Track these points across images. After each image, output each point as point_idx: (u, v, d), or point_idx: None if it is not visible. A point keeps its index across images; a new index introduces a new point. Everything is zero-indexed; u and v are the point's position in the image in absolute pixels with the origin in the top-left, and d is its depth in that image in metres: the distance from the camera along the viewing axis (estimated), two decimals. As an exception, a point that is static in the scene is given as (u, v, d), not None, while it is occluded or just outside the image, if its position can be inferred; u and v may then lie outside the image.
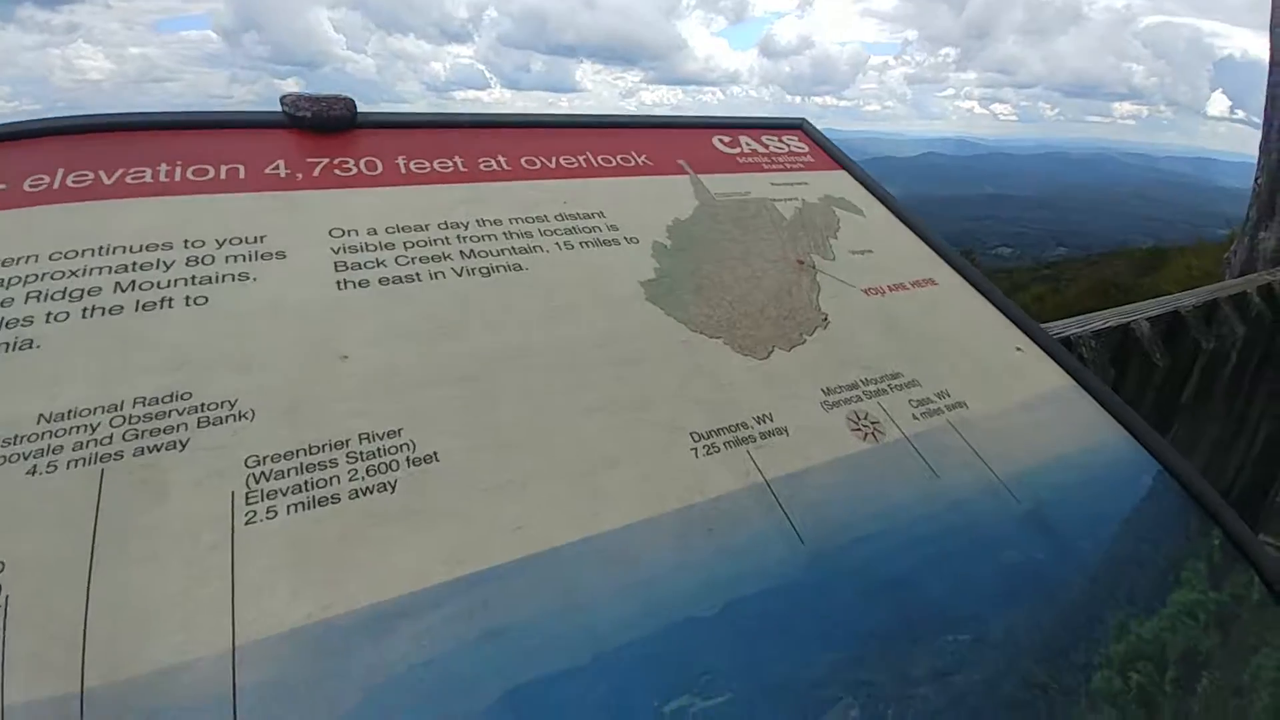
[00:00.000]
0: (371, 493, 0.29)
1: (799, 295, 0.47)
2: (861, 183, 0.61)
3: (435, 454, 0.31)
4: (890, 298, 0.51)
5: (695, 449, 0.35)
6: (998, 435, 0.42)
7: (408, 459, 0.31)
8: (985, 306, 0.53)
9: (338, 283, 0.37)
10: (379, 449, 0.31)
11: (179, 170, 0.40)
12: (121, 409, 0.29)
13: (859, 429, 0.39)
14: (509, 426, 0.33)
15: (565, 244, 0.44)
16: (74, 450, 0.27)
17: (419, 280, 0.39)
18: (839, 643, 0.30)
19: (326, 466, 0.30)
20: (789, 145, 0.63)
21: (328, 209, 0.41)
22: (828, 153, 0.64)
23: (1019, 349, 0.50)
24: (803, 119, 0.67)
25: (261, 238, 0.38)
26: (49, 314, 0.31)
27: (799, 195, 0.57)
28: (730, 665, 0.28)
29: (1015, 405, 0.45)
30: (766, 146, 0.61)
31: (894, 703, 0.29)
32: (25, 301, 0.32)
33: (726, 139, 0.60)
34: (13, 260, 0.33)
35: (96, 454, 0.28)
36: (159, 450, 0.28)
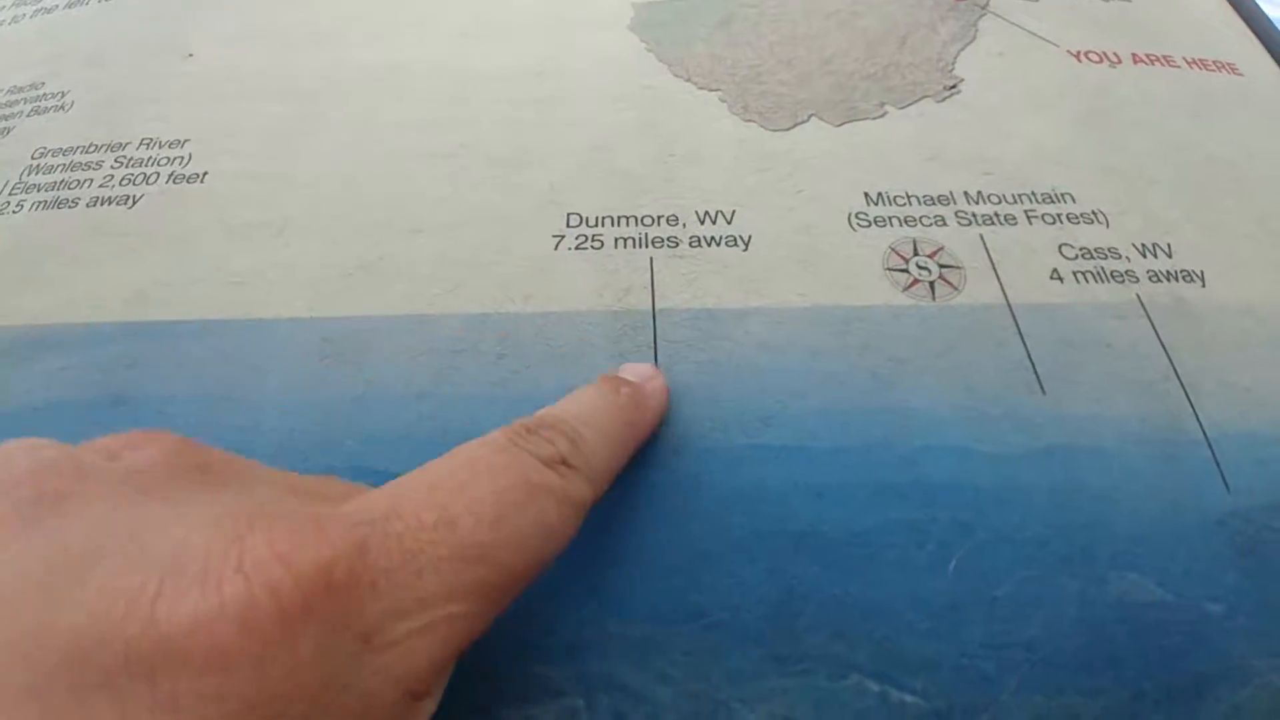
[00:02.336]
0: (110, 204, 0.23)
1: (921, 44, 0.26)
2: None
3: (204, 174, 0.23)
4: (1125, 71, 0.26)
5: (562, 237, 0.21)
6: (1245, 353, 0.19)
7: (171, 175, 0.23)
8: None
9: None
10: (151, 158, 0.24)
11: None
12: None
13: (904, 270, 0.20)
14: (309, 157, 0.23)
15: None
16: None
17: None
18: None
19: (92, 168, 0.24)
20: None
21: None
22: None
23: None
24: None
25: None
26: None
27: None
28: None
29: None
30: None
31: None
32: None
33: None
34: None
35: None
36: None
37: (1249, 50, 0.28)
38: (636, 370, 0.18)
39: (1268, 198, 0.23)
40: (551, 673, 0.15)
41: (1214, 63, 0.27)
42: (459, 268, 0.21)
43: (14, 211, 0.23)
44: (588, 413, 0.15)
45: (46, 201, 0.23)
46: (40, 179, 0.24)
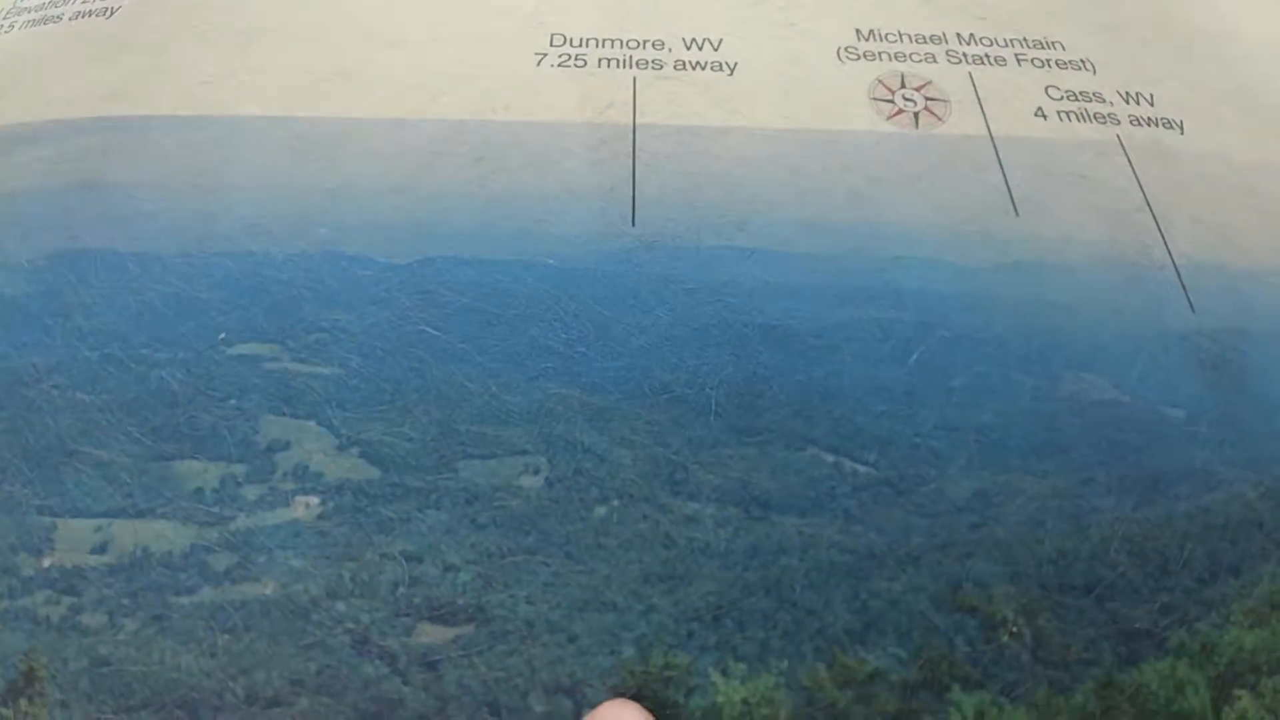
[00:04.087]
0: (90, 16, 0.22)
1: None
2: None
3: (178, -19, 0.22)
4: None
5: (544, 55, 0.21)
6: (1220, 197, 0.19)
7: (144, -20, 0.23)
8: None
9: None
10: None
11: None
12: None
13: (889, 100, 0.20)
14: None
15: None
16: None
17: None
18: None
19: (66, -23, 0.23)
20: None
21: None
22: None
23: None
24: None
25: None
26: None
27: None
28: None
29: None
30: None
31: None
32: None
33: None
34: None
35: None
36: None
37: None
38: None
39: (1249, 71, 0.22)
40: (515, 434, 0.15)
41: None
42: (438, 79, 0.20)
43: (4, 33, 0.22)
44: None
45: (35, 19, 0.22)
46: (31, 1, 0.23)
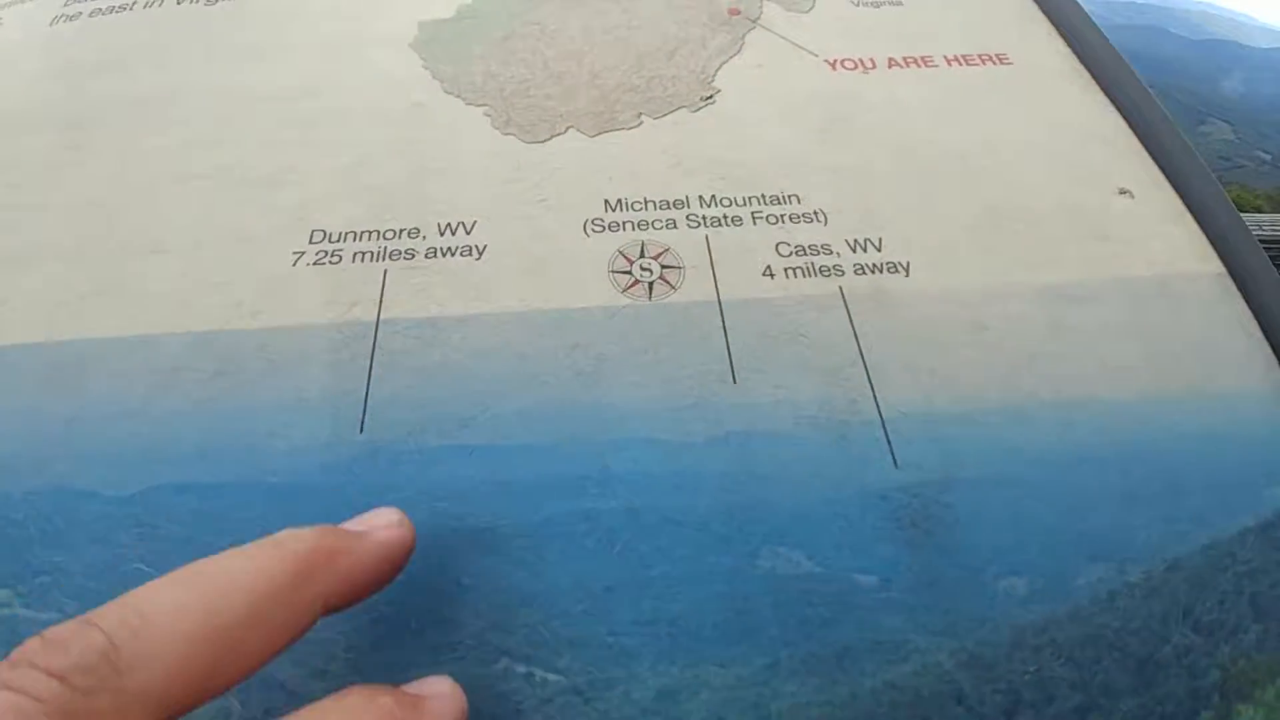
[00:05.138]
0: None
1: (688, 58, 0.28)
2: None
3: (-40, 204, 0.23)
4: (876, 76, 0.27)
5: (302, 253, 0.22)
6: (940, 337, 0.21)
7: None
8: (1095, 108, 0.26)
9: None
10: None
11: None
12: None
13: (628, 272, 0.22)
14: (70, 186, 0.24)
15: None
16: None
17: (130, 10, 0.30)
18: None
19: None
20: None
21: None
22: None
23: (1125, 191, 0.24)
24: None
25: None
26: None
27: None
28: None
29: (1046, 288, 0.22)
30: None
31: None
32: None
33: None
34: None
35: None
36: None
37: (1032, 34, 0.29)
38: (377, 517, 0.15)
39: (997, 185, 0.24)
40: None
41: (979, 56, 0.29)
42: (196, 287, 0.21)
43: None
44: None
45: None
46: None
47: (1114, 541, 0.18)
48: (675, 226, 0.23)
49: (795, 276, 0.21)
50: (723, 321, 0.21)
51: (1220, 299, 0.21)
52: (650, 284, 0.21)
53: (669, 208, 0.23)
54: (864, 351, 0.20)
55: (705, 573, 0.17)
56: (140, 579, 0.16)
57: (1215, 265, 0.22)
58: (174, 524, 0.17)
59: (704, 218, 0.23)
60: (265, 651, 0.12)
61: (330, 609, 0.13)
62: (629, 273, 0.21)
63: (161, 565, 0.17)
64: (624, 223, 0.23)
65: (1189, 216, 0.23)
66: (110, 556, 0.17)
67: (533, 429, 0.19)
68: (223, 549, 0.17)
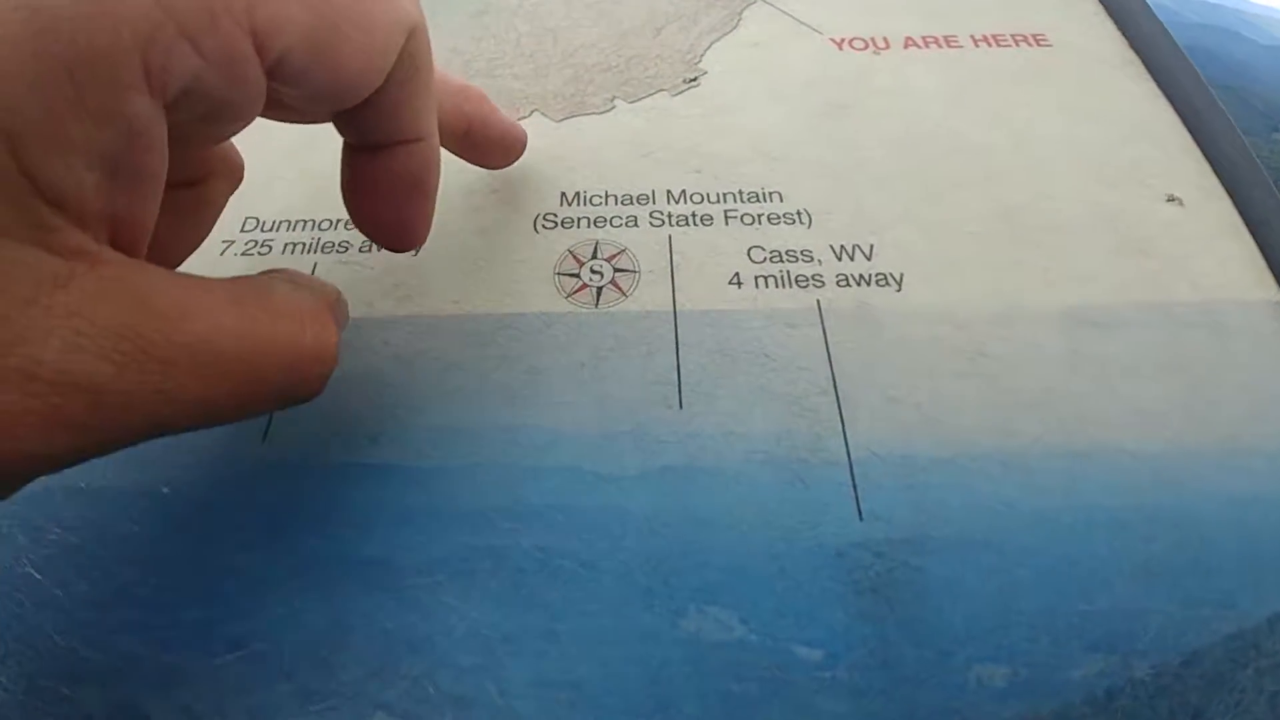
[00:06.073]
0: None
1: (676, 35, 0.25)
2: None
3: None
4: (888, 57, 0.24)
5: (232, 242, 0.20)
6: (931, 364, 0.18)
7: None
8: (1146, 100, 0.22)
9: None
10: None
11: None
12: None
13: (575, 275, 0.19)
14: None
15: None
16: None
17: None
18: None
19: None
20: None
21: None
22: None
23: (1174, 198, 0.20)
24: None
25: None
26: None
27: None
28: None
29: (1067, 312, 0.18)
30: None
31: None
32: None
33: None
34: None
35: None
36: None
37: (1077, 12, 0.26)
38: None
39: (1019, 186, 0.21)
40: (76, 692, 0.14)
41: (1013, 36, 0.25)
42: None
43: None
44: None
45: None
46: None
47: (1122, 628, 0.14)
48: (636, 225, 0.20)
49: (766, 286, 0.19)
50: (676, 336, 0.18)
51: (1276, 334, 0.17)
52: (599, 289, 0.19)
53: (632, 203, 0.21)
54: (837, 378, 0.17)
55: (620, 631, 0.14)
56: (29, 586, 0.15)
57: (1273, 293, 0.18)
58: (65, 530, 0.16)
59: (670, 215, 0.20)
60: None
61: None
62: (577, 275, 0.19)
63: (51, 571, 0.15)
64: (579, 219, 0.20)
65: (1246, 233, 0.19)
66: (6, 556, 0.16)
67: (444, 449, 0.17)
68: (112, 559, 0.16)
